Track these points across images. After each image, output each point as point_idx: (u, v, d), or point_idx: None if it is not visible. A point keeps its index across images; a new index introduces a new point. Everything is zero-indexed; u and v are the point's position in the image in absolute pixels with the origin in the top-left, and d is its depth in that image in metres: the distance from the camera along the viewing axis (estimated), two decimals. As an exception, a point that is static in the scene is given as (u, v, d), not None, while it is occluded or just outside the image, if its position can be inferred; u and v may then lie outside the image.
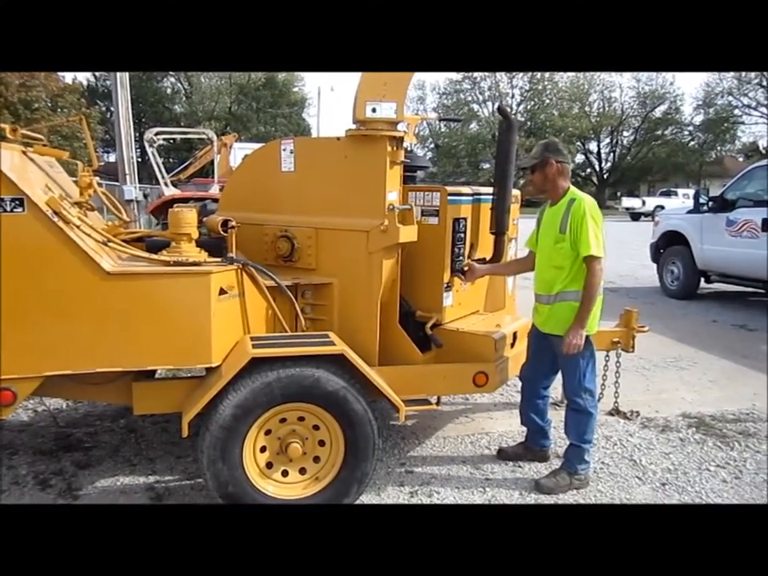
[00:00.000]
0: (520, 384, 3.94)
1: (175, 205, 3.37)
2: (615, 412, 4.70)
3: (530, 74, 50.03)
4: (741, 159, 49.82)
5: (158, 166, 13.80)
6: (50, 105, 24.81)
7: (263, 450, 3.08)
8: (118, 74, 12.85)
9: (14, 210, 2.68)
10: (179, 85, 51.12)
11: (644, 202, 35.78)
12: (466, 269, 3.78)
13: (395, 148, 3.31)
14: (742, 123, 48.72)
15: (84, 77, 45.91)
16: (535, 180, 3.54)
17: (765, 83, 43.92)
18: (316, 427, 3.11)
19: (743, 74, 44.08)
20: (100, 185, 3.55)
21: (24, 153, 3.08)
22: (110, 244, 3.00)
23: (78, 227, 2.83)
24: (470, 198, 3.84)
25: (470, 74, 51.28)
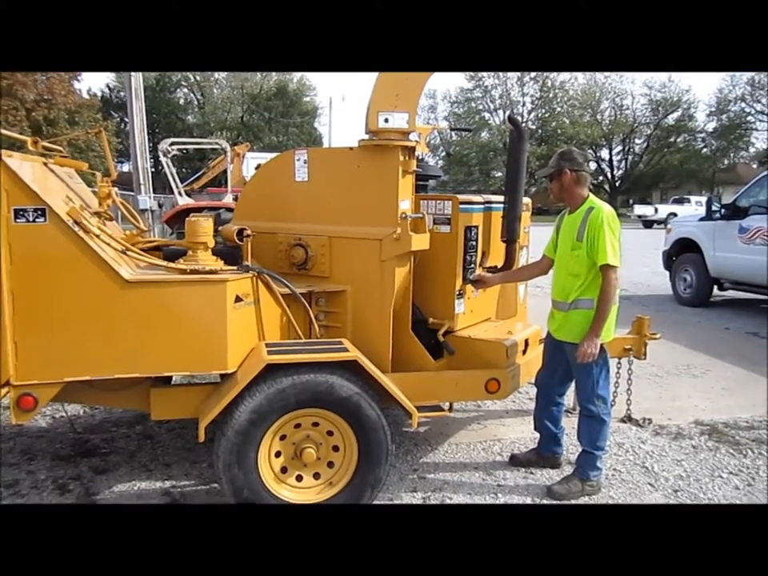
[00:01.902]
0: (532, 390, 3.96)
1: (191, 214, 3.43)
2: (627, 419, 4.71)
3: (540, 81, 50.11)
4: (754, 166, 49.46)
5: (173, 176, 13.94)
6: (67, 119, 25.18)
7: (278, 455, 3.12)
8: (133, 85, 13.05)
9: (36, 219, 2.75)
10: (192, 95, 51.64)
11: (656, 210, 35.57)
12: (476, 279, 3.81)
13: (407, 157, 3.36)
14: (755, 130, 48.54)
15: (98, 88, 46.58)
16: (553, 189, 3.61)
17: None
18: (330, 433, 3.16)
19: (756, 80, 43.93)
20: (117, 195, 3.62)
21: (45, 164, 3.16)
22: (129, 253, 3.07)
23: (97, 236, 2.90)
24: (482, 206, 3.88)
25: (481, 82, 51.45)
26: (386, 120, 3.26)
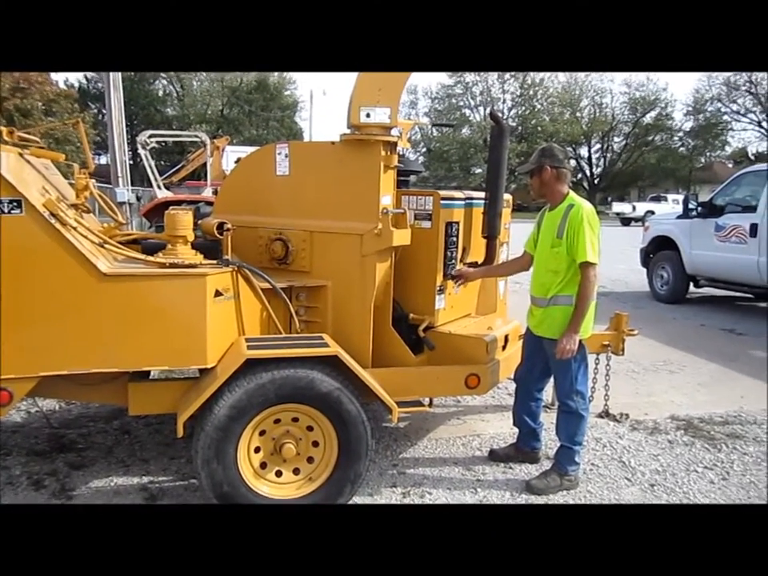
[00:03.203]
0: (511, 386, 3.98)
1: (170, 207, 3.39)
2: (605, 414, 4.75)
3: (521, 79, 50.28)
4: (730, 165, 50.14)
5: (151, 169, 13.79)
6: (43, 109, 24.74)
7: (257, 450, 3.10)
8: (111, 76, 12.81)
9: (12, 211, 2.70)
10: (171, 87, 50.98)
11: (634, 207, 35.88)
12: (457, 275, 3.82)
13: (389, 152, 3.35)
14: (731, 129, 49.19)
15: (76, 78, 45.85)
16: (533, 185, 3.62)
17: (753, 90, 44.34)
18: (310, 428, 3.14)
19: (732, 80, 44.53)
20: (94, 187, 3.57)
21: (21, 155, 3.10)
22: (106, 246, 3.03)
23: (74, 229, 2.85)
24: (463, 202, 3.89)
25: (462, 78, 51.46)
26: (368, 115, 3.25)
